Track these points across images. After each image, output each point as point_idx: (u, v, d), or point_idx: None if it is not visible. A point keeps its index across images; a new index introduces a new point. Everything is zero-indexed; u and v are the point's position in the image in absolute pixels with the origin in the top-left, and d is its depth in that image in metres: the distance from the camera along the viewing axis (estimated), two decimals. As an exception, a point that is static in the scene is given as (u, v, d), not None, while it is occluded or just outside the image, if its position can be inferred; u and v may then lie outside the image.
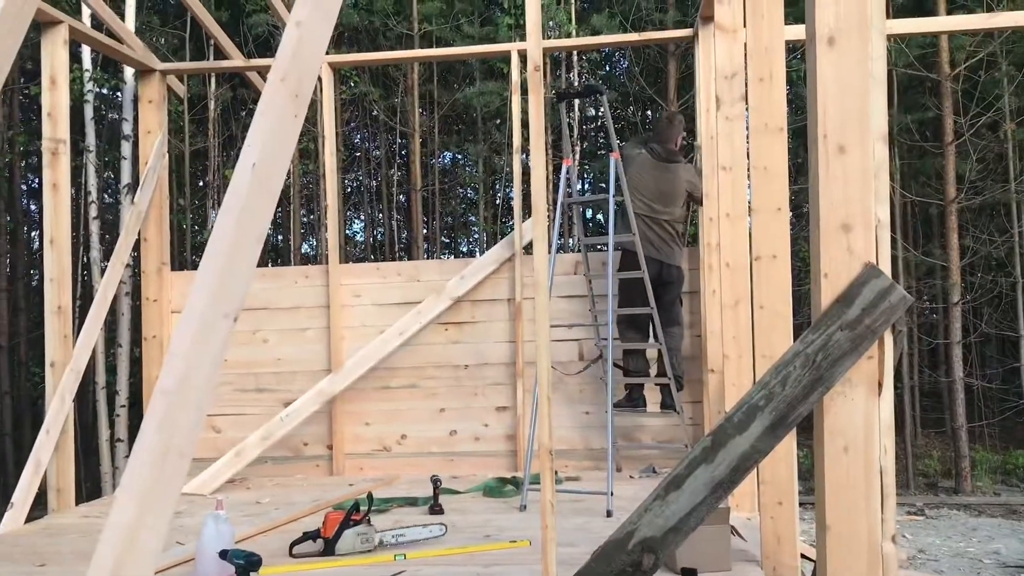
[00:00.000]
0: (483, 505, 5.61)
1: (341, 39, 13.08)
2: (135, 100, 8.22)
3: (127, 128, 9.05)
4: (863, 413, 2.55)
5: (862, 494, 2.55)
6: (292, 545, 4.34)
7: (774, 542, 3.96)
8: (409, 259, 14.22)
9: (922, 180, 12.75)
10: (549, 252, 6.39)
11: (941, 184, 11.76)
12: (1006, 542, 7.01)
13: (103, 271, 9.12)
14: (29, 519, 5.52)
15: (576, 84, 12.40)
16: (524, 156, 7.51)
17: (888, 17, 10.96)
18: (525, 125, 8.55)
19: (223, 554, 3.50)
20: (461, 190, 16.39)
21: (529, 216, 7.21)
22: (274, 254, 15.42)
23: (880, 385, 2.57)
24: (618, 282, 6.30)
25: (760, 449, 2.61)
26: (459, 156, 16.23)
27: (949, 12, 11.11)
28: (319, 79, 7.13)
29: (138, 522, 1.34)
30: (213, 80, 12.20)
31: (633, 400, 6.51)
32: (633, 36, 7.92)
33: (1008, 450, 12.46)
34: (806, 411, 2.58)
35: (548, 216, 11.65)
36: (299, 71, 1.88)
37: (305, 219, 15.44)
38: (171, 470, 1.40)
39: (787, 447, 3.97)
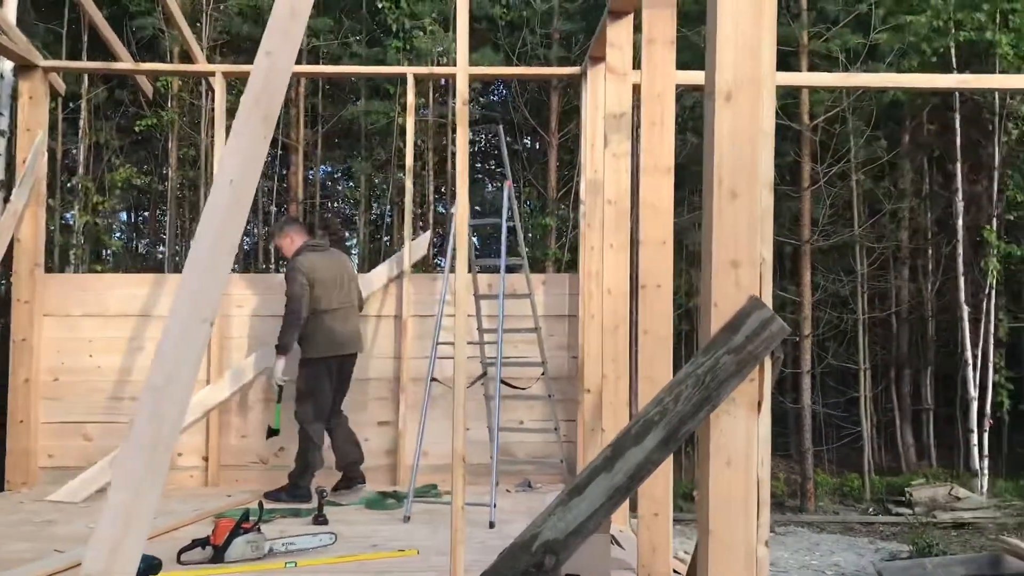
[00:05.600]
0: (366, 516, 5.73)
1: (228, 47, 12.93)
2: (13, 95, 7.93)
3: (3, 123, 8.68)
4: (744, 430, 2.84)
5: (741, 503, 2.83)
6: (180, 552, 4.35)
7: (649, 551, 4.25)
8: (283, 271, 14.04)
9: (780, 221, 13.67)
10: (448, 272, 6.60)
11: (795, 225, 12.65)
12: (844, 555, 7.66)
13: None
14: None
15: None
16: (400, 176, 7.68)
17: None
18: (415, 147, 8.74)
19: (122, 558, 3.51)
20: (337, 205, 16.38)
21: (416, 235, 7.39)
22: (146, 259, 14.97)
23: (759, 405, 2.87)
24: (305, 376, 6.25)
25: (653, 460, 2.88)
26: (337, 172, 16.24)
27: (810, 68, 12.03)
28: (213, 88, 7.12)
29: (133, 506, 1.44)
30: (86, 79, 11.84)
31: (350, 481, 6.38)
32: (526, 69, 8.26)
33: (844, 473, 13.44)
34: (695, 427, 2.87)
35: (437, 234, 11.89)
36: (269, 96, 2.03)
37: (178, 227, 15.06)
38: (160, 460, 1.51)
39: (664, 463, 4.28)
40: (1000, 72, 11.53)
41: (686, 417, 2.86)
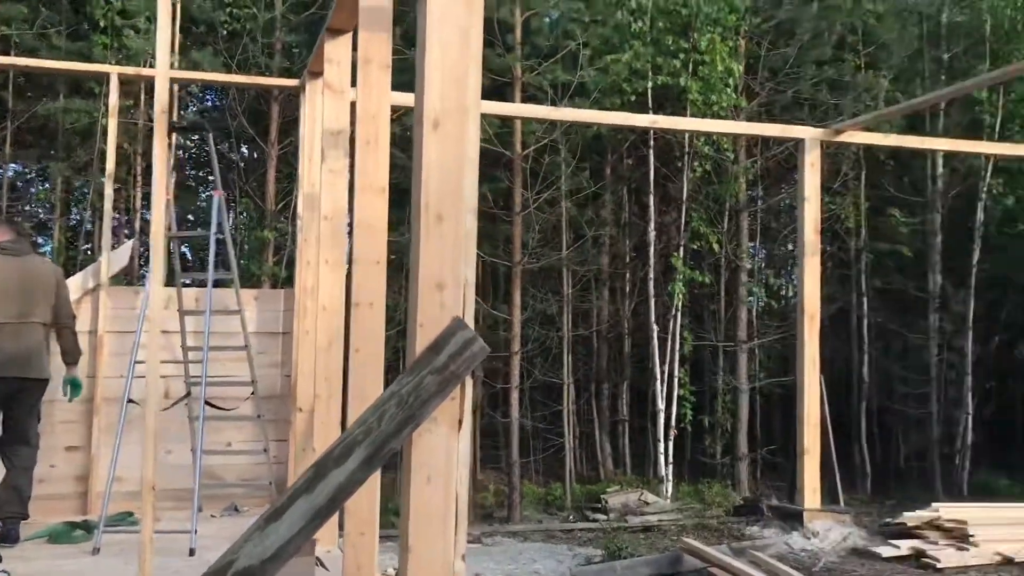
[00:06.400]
0: (49, 551, 5.27)
1: None
2: None
3: None
4: (445, 447, 2.93)
5: (440, 518, 2.92)
6: None
7: (355, 570, 4.27)
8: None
9: (494, 243, 14.24)
10: (145, 286, 6.21)
11: (509, 248, 13.23)
12: (545, 563, 8.09)
13: None
14: None
15: (182, 116, 12.08)
16: (102, 180, 7.23)
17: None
18: (119, 150, 8.18)
19: None
20: (30, 208, 14.94)
21: (118, 244, 6.92)
22: None
23: (460, 423, 2.98)
24: None
25: (356, 480, 2.89)
26: (30, 173, 14.82)
27: (524, 100, 12.68)
28: None
29: None
30: None
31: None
32: (241, 77, 8.03)
33: (549, 483, 14.19)
34: (398, 446, 2.92)
35: (144, 244, 11.11)
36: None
37: None
38: None
39: (371, 481, 4.31)
40: (690, 115, 12.79)
41: (390, 436, 2.90)
